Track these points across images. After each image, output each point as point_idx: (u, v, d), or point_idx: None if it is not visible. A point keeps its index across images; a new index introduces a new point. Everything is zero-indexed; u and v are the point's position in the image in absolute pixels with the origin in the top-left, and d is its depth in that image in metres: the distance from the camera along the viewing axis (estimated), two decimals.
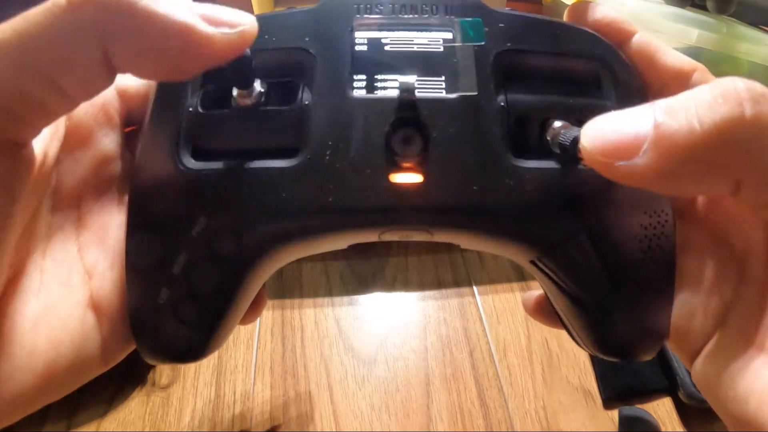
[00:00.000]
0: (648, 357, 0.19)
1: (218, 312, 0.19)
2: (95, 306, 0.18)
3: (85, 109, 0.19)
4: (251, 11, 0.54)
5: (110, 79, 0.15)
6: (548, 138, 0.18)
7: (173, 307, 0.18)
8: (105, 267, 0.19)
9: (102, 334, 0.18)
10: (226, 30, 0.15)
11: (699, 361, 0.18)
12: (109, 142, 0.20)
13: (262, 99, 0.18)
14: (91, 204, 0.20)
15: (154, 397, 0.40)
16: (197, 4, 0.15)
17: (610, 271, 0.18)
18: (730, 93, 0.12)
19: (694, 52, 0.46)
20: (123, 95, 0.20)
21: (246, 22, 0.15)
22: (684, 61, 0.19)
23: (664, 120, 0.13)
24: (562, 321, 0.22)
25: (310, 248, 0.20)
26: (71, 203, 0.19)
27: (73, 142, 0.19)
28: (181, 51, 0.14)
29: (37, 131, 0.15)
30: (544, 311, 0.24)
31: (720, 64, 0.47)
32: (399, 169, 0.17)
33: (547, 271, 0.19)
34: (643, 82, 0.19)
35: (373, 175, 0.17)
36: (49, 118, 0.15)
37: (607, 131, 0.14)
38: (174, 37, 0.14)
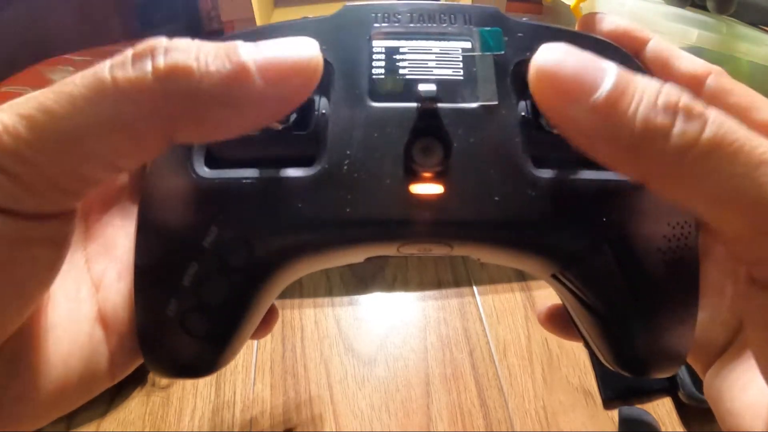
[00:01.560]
0: (668, 374, 0.19)
1: (229, 326, 0.18)
2: (103, 319, 0.18)
3: None
4: (251, 11, 0.54)
5: (166, 149, 0.14)
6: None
7: (182, 320, 0.18)
8: (112, 279, 0.19)
9: (110, 348, 0.18)
10: (289, 81, 0.13)
11: (710, 373, 0.18)
12: None
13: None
14: (98, 215, 0.19)
15: (154, 397, 0.40)
16: (254, 51, 0.13)
17: (632, 284, 0.18)
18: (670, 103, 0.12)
19: (694, 52, 0.46)
20: None
21: (307, 58, 0.14)
22: (698, 66, 0.19)
23: (623, 89, 0.12)
24: (581, 334, 0.21)
25: (326, 261, 0.20)
26: (79, 215, 0.19)
27: None
28: (245, 118, 0.13)
29: (85, 196, 0.14)
30: (557, 322, 0.24)
31: (720, 64, 0.47)
32: (419, 179, 0.17)
33: (568, 284, 0.19)
34: None
35: (393, 185, 0.17)
36: (99, 186, 0.14)
37: (571, 62, 0.13)
38: (237, 112, 0.13)
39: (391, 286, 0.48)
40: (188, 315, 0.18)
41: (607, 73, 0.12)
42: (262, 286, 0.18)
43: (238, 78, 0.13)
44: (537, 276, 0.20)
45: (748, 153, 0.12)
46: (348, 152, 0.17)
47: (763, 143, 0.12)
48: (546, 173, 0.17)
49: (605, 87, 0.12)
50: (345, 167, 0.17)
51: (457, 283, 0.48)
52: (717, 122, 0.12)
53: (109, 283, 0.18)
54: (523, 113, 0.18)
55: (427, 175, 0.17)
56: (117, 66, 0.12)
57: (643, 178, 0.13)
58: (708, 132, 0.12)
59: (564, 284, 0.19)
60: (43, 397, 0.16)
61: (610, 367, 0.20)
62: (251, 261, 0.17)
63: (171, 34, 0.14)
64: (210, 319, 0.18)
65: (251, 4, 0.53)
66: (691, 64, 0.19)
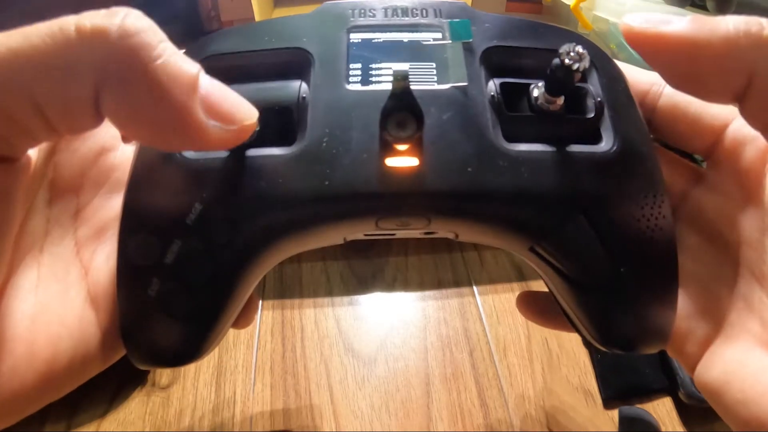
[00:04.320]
0: (653, 349, 0.19)
1: (211, 307, 0.18)
2: (93, 301, 0.18)
3: None
4: (251, 12, 0.54)
5: (96, 122, 0.14)
6: (535, 95, 0.19)
7: (164, 301, 0.18)
8: (102, 260, 0.19)
9: (101, 330, 0.18)
10: (223, 126, 0.14)
11: (702, 367, 0.18)
12: (105, 133, 0.20)
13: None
14: (89, 196, 0.20)
15: (154, 397, 0.40)
16: (209, 83, 0.14)
17: (611, 250, 0.18)
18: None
19: None
20: None
21: (246, 119, 0.15)
22: (656, 76, 0.20)
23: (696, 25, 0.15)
24: (564, 311, 0.21)
25: (307, 241, 0.20)
26: (69, 195, 0.19)
27: None
28: (169, 128, 0.14)
29: (23, 150, 0.15)
30: (533, 307, 0.24)
31: None
32: (394, 152, 0.17)
33: (546, 256, 0.19)
34: (622, 72, 0.20)
35: (369, 159, 0.17)
36: (32, 142, 0.15)
37: (653, 17, 0.15)
38: (166, 112, 0.13)
39: (391, 286, 0.48)
40: (170, 295, 0.18)
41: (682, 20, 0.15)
42: (244, 266, 0.18)
43: (183, 86, 0.13)
44: (515, 251, 0.21)
45: None
46: (327, 131, 0.18)
47: None
48: (516, 146, 0.18)
49: (686, 28, 0.15)
50: (324, 144, 0.18)
51: (457, 283, 0.48)
52: None
53: (98, 266, 0.19)
54: (492, 93, 0.19)
55: (401, 148, 0.17)
56: (84, 17, 0.13)
57: (749, 81, 0.15)
58: None
59: (542, 257, 0.19)
60: (31, 379, 0.16)
61: (595, 344, 0.20)
62: (234, 238, 0.18)
63: (171, 34, 0.14)
64: (192, 299, 0.18)
65: (251, 4, 0.53)
66: (650, 75, 0.20)
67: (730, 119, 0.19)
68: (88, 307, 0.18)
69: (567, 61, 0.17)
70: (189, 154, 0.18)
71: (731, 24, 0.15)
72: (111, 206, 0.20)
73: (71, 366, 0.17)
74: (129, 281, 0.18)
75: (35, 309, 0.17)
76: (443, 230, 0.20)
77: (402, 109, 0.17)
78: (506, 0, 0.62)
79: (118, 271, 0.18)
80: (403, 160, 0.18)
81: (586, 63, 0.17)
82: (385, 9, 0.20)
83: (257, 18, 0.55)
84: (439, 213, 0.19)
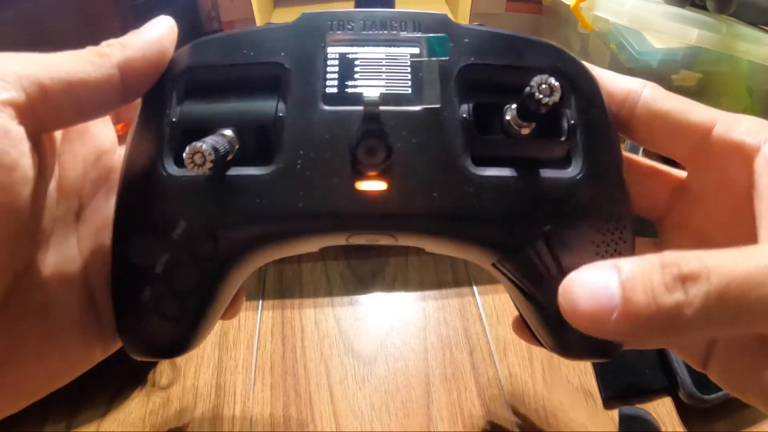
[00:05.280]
0: (612, 357, 0.20)
1: (198, 309, 0.20)
2: (91, 297, 0.20)
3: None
4: (251, 12, 0.54)
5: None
6: (507, 118, 0.19)
7: (156, 305, 0.19)
8: (102, 260, 0.20)
9: (101, 323, 0.20)
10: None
11: (715, 364, 0.19)
12: (104, 137, 0.22)
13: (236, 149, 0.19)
14: (89, 196, 0.21)
15: (154, 397, 0.40)
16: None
17: (567, 273, 0.18)
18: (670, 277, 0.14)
19: (694, 52, 0.46)
20: None
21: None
22: (633, 81, 0.20)
23: (629, 296, 0.14)
24: (525, 323, 0.22)
25: (283, 250, 0.21)
26: (72, 195, 0.20)
27: (72, 134, 0.20)
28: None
29: (46, 129, 0.17)
30: (523, 327, 0.24)
31: (720, 64, 0.47)
32: (364, 177, 0.18)
33: (507, 274, 0.20)
34: (599, 89, 0.20)
35: (340, 182, 0.18)
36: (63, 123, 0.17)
37: (583, 297, 0.15)
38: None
39: (391, 286, 0.48)
40: (161, 300, 0.19)
41: (612, 287, 0.14)
42: (227, 273, 0.20)
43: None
44: (480, 264, 0.22)
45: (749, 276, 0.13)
46: (301, 152, 0.19)
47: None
48: (484, 171, 0.19)
49: (617, 299, 0.14)
50: (298, 166, 0.19)
51: (457, 283, 0.48)
52: (715, 270, 0.13)
53: (99, 266, 0.20)
54: (465, 115, 0.19)
55: (371, 173, 0.18)
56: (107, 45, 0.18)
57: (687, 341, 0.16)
58: (713, 285, 0.13)
59: (504, 273, 0.20)
60: (41, 371, 0.18)
61: (552, 352, 0.21)
62: (216, 251, 0.19)
63: None
64: (181, 303, 0.19)
65: (251, 4, 0.53)
66: (627, 81, 0.21)
67: (711, 126, 0.19)
68: (88, 303, 0.19)
69: (537, 95, 0.17)
70: (173, 170, 0.19)
71: (654, 309, 0.14)
72: (110, 206, 0.20)
73: (75, 357, 0.19)
74: (123, 288, 0.19)
75: (42, 303, 0.18)
76: (410, 244, 0.21)
77: (371, 137, 0.18)
78: (506, 0, 0.62)
79: (113, 279, 0.19)
80: (372, 184, 0.18)
81: (556, 97, 0.17)
82: (364, 21, 0.20)
83: (257, 18, 0.55)
84: (403, 232, 0.20)
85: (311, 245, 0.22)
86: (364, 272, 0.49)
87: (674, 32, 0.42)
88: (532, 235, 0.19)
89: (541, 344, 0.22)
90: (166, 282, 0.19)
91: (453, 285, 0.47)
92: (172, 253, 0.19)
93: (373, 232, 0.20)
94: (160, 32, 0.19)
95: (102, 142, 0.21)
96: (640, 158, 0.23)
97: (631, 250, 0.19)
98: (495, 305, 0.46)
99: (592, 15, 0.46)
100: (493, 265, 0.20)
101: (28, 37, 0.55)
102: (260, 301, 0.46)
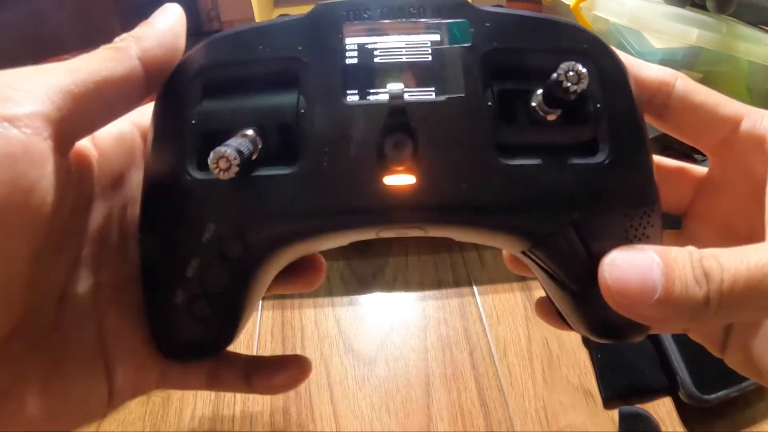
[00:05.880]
0: (636, 340, 0.20)
1: (231, 309, 0.20)
2: (103, 341, 0.19)
3: (114, 150, 0.21)
4: (251, 12, 0.54)
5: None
6: (533, 104, 0.19)
7: (189, 307, 0.19)
8: (118, 302, 0.20)
9: (108, 371, 0.19)
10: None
11: (732, 348, 0.20)
12: (136, 182, 0.22)
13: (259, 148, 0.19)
14: (119, 199, 0.21)
15: (154, 397, 0.40)
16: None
17: (597, 259, 0.18)
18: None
19: (694, 52, 0.46)
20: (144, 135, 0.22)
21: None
22: (666, 71, 0.21)
23: (669, 285, 0.15)
24: (557, 309, 0.22)
25: (313, 246, 0.21)
26: (111, 195, 0.21)
27: (105, 179, 0.20)
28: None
29: (77, 138, 0.17)
30: (548, 311, 0.24)
31: (720, 64, 0.47)
32: (392, 171, 0.18)
33: (537, 261, 0.20)
34: (627, 75, 0.20)
35: (368, 178, 0.18)
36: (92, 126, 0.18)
37: (632, 277, 0.16)
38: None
39: (391, 286, 0.48)
40: (194, 302, 0.20)
41: (655, 271, 0.16)
42: (257, 272, 0.20)
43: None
44: (510, 251, 0.22)
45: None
46: (326, 149, 0.18)
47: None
48: (511, 160, 0.19)
49: (658, 285, 0.15)
50: (324, 163, 0.18)
51: (457, 283, 0.48)
52: (726, 266, 0.15)
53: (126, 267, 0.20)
54: (489, 103, 0.19)
55: (398, 167, 0.18)
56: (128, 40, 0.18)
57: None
58: (726, 281, 0.15)
59: (534, 261, 0.20)
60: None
61: (578, 332, 0.21)
62: (246, 252, 0.19)
63: None
64: (214, 304, 0.20)
65: (251, 4, 0.53)
66: (659, 71, 0.21)
67: (739, 120, 0.19)
68: (99, 348, 0.20)
69: (565, 82, 0.17)
70: (197, 174, 0.19)
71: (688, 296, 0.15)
72: (133, 262, 0.21)
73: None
74: (155, 293, 0.20)
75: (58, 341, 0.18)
76: (439, 235, 0.21)
77: (398, 131, 0.17)
78: (506, 0, 0.62)
79: (144, 284, 0.20)
80: (399, 178, 0.18)
81: (584, 85, 0.17)
82: (381, 9, 0.19)
83: (257, 18, 0.55)
84: (433, 224, 0.20)
85: (341, 240, 0.21)
86: (364, 272, 0.49)
87: (674, 32, 0.42)
88: (562, 222, 0.19)
89: (569, 327, 0.22)
90: (198, 285, 0.19)
91: (453, 285, 0.47)
92: (203, 257, 0.19)
93: (404, 226, 0.20)
94: (171, 20, 0.19)
95: (132, 188, 0.21)
96: (665, 159, 0.23)
97: (660, 234, 0.19)
98: (495, 305, 0.46)
99: (592, 15, 0.46)
100: (523, 252, 0.20)
101: (28, 37, 0.55)
102: (260, 301, 0.46)
